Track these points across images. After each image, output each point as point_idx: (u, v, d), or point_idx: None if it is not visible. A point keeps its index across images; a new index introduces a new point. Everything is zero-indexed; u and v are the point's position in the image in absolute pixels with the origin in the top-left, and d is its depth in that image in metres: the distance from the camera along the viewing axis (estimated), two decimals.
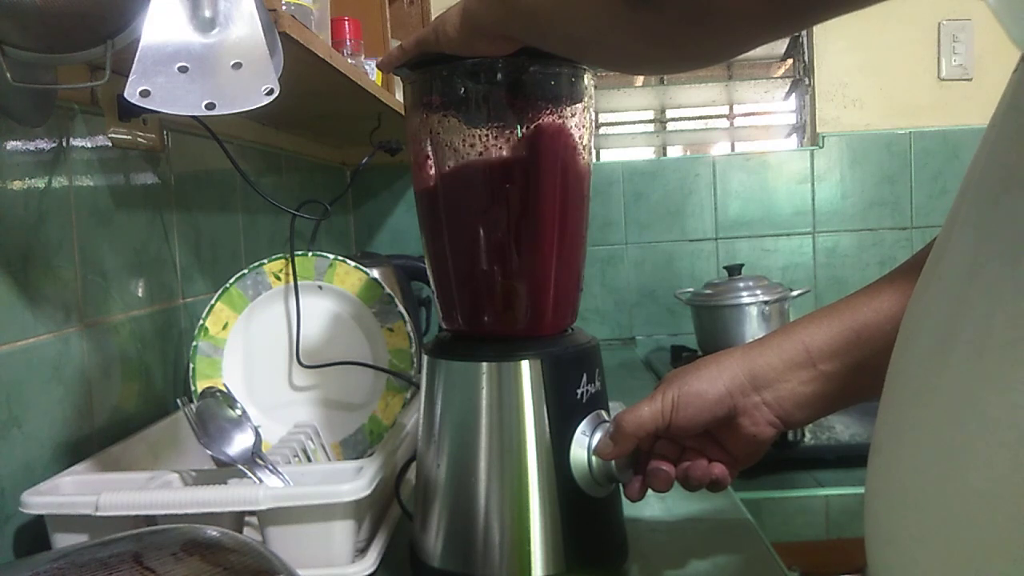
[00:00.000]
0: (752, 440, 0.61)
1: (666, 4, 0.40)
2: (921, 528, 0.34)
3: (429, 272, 0.67)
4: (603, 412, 0.64)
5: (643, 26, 0.42)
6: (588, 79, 0.64)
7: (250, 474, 0.68)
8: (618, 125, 2.15)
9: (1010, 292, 0.31)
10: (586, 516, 0.62)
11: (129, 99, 0.57)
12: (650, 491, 0.83)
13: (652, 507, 0.79)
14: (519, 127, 0.61)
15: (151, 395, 0.95)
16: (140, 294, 0.94)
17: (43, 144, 0.77)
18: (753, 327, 1.61)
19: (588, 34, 0.47)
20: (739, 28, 0.41)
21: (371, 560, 0.65)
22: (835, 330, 0.59)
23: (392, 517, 0.74)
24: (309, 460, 0.82)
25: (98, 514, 0.61)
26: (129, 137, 0.92)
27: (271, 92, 0.59)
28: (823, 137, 1.95)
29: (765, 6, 0.39)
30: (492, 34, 0.53)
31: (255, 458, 0.69)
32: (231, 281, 0.90)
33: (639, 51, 0.47)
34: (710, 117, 2.18)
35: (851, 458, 1.30)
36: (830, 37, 1.94)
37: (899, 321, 0.47)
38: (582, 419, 0.62)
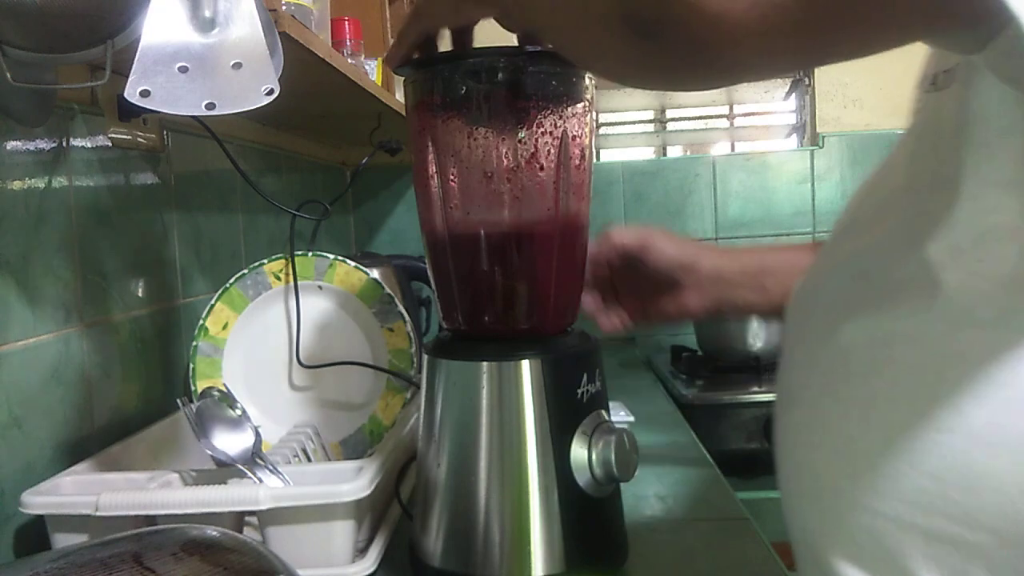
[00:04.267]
0: (684, 312, 0.74)
1: (668, 39, 0.39)
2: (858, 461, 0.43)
3: (430, 271, 0.67)
4: (603, 412, 0.64)
5: (644, 54, 0.42)
6: (589, 79, 0.64)
7: (250, 474, 0.68)
8: (618, 125, 2.15)
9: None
10: (586, 516, 0.62)
11: (129, 99, 0.57)
12: (651, 493, 0.83)
13: (652, 507, 0.79)
14: (520, 126, 0.61)
15: (151, 395, 0.95)
16: (140, 294, 0.94)
17: (43, 144, 0.77)
18: (753, 327, 1.61)
19: (589, 52, 0.47)
20: (738, 68, 0.41)
21: (371, 560, 0.65)
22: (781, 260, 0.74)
23: (392, 517, 0.74)
24: (309, 460, 0.82)
25: (98, 514, 0.61)
26: (129, 137, 0.92)
27: (271, 92, 0.59)
28: (823, 137, 1.95)
29: (764, 55, 0.39)
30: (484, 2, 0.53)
31: (255, 458, 0.69)
32: (231, 281, 0.90)
33: (637, 75, 0.47)
34: (710, 117, 2.18)
35: None
36: None
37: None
38: (582, 419, 0.62)
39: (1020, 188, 0.38)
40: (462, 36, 0.61)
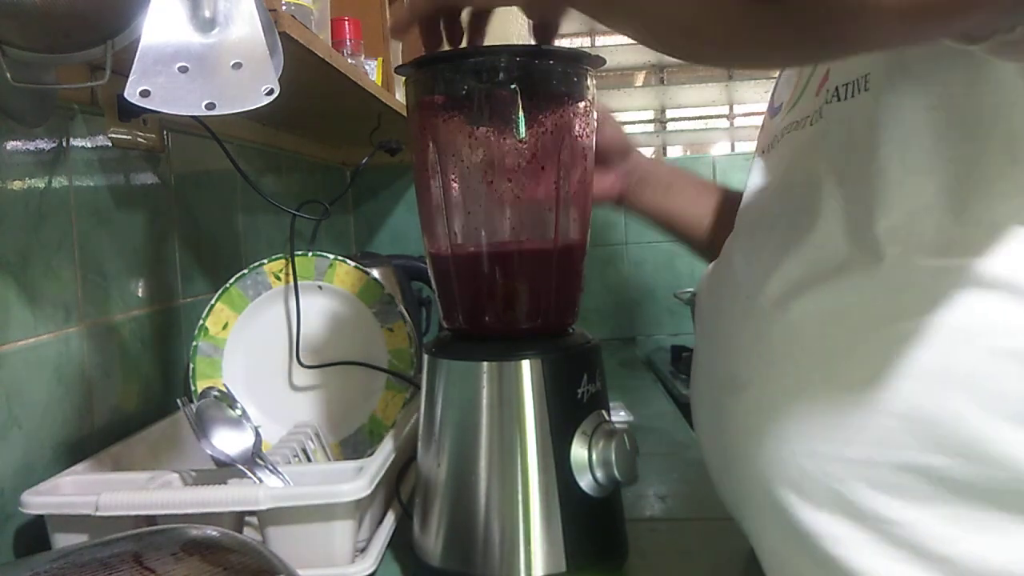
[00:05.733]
0: (599, 189, 0.78)
1: (798, 5, 0.35)
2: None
3: (430, 271, 0.67)
4: (604, 412, 0.64)
5: (761, 24, 0.38)
6: (590, 79, 0.64)
7: (250, 474, 0.68)
8: None
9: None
10: (586, 516, 0.62)
11: (129, 99, 0.57)
12: (651, 493, 0.83)
13: (652, 507, 0.79)
14: (521, 126, 0.61)
15: (151, 395, 0.95)
16: (140, 294, 0.94)
17: (43, 144, 0.77)
18: None
19: (681, 18, 0.41)
20: (873, 44, 0.39)
21: (371, 560, 0.65)
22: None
23: (392, 517, 0.74)
24: (309, 460, 0.82)
25: (98, 514, 0.61)
26: (129, 137, 0.92)
27: (271, 92, 0.59)
28: None
29: (907, 31, 0.36)
30: None
31: (255, 458, 0.69)
32: (231, 281, 0.90)
33: (742, 48, 0.42)
34: (710, 117, 2.17)
35: None
36: None
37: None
38: (583, 419, 0.62)
39: (933, 173, 0.45)
40: (477, 23, 0.60)
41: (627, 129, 2.14)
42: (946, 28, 0.37)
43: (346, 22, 1.14)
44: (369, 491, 0.63)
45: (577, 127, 0.63)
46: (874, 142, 0.47)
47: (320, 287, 0.91)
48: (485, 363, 0.61)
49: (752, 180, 0.63)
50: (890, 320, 0.45)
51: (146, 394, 0.94)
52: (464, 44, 0.61)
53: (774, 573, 0.55)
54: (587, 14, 0.47)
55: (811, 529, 0.48)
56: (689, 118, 2.18)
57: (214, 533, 0.49)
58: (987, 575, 0.43)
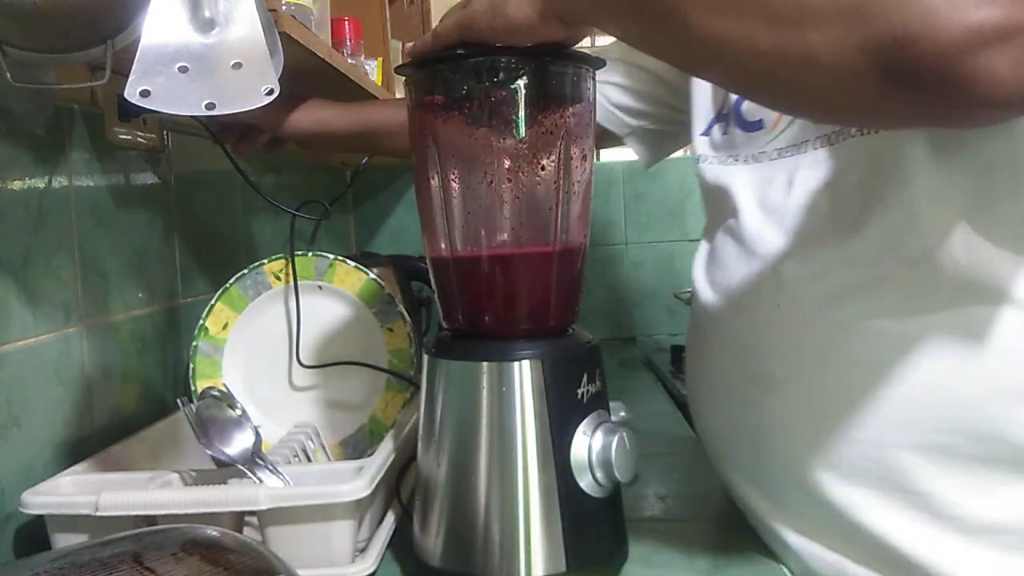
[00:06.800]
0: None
1: (939, 96, 0.35)
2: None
3: (430, 271, 0.67)
4: (603, 412, 0.64)
5: (900, 103, 0.38)
6: (591, 79, 0.64)
7: (250, 474, 0.68)
8: None
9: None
10: (586, 516, 0.62)
11: (129, 99, 0.57)
12: (651, 493, 0.83)
13: (652, 507, 0.79)
14: (521, 126, 0.61)
15: (151, 395, 0.95)
16: (140, 294, 0.94)
17: (43, 144, 0.77)
18: None
19: (813, 97, 0.41)
20: (996, 117, 0.40)
21: (371, 560, 0.65)
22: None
23: (392, 517, 0.74)
24: (309, 460, 0.82)
25: (98, 514, 0.61)
26: (129, 137, 0.92)
27: (271, 92, 0.59)
28: None
29: None
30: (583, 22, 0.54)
31: (255, 458, 0.69)
32: (231, 281, 0.90)
33: (881, 120, 0.46)
34: None
35: None
36: None
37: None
38: (582, 419, 0.62)
39: (961, 206, 0.52)
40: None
41: None
42: None
43: (346, 22, 1.14)
44: (369, 491, 0.63)
45: (577, 127, 0.63)
46: (905, 177, 0.53)
47: (320, 287, 0.91)
48: (485, 363, 0.61)
49: (764, 188, 0.65)
50: (919, 331, 0.53)
51: (146, 394, 0.94)
52: None
53: (799, 547, 0.62)
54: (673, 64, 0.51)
55: (844, 501, 0.57)
56: None
57: (214, 533, 0.49)
58: (985, 527, 0.53)
